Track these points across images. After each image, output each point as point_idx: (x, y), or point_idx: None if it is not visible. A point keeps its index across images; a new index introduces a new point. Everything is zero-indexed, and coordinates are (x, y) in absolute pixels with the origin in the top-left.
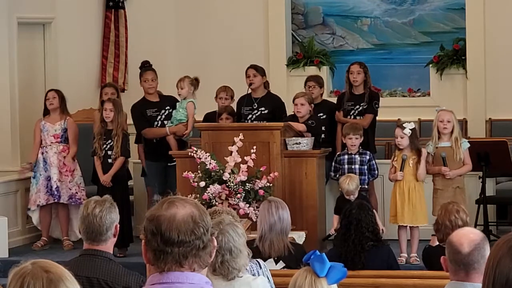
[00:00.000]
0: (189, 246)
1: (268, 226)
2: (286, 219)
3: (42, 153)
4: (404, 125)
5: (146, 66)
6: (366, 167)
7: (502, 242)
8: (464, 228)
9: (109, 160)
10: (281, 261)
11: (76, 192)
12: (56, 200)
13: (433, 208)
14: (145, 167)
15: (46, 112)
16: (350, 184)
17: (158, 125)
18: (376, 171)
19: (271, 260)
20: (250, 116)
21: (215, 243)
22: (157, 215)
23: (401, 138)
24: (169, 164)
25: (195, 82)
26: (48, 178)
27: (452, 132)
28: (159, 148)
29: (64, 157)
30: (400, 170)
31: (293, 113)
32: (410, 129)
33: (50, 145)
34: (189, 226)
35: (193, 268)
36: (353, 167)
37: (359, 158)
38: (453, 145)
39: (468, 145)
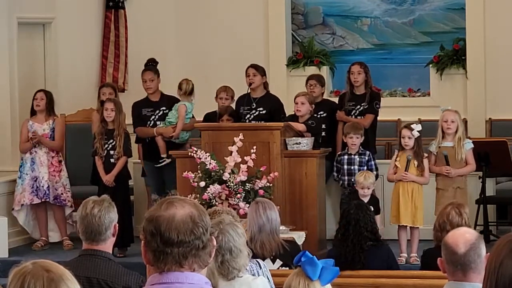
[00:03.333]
0: (189, 246)
1: (257, 227)
2: (275, 219)
3: (31, 153)
4: (412, 126)
5: (149, 65)
6: (365, 167)
7: (503, 243)
8: (459, 229)
9: (112, 160)
10: (278, 259)
11: (62, 193)
12: (45, 200)
13: (435, 208)
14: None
15: (34, 112)
16: (367, 178)
17: (151, 124)
18: (376, 172)
19: (268, 260)
20: (248, 116)
21: (215, 243)
22: (156, 215)
23: (409, 138)
24: (155, 165)
25: (185, 86)
26: (35, 179)
27: (456, 132)
28: (152, 148)
29: (53, 157)
30: (405, 171)
31: (293, 112)
32: (418, 131)
33: (39, 145)
34: (188, 226)
35: (193, 268)
36: (352, 167)
37: (358, 159)
38: (456, 145)
39: (472, 145)
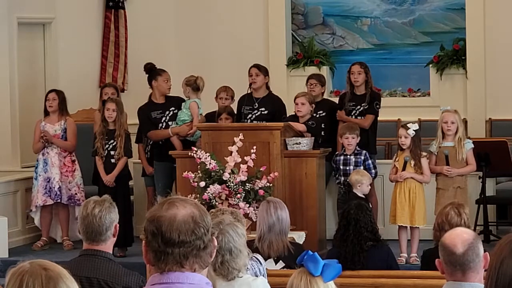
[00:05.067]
0: (190, 247)
1: (267, 227)
2: (285, 219)
3: (43, 154)
4: (408, 125)
5: (158, 69)
6: (361, 167)
7: (504, 243)
8: (455, 229)
9: (112, 160)
10: (280, 261)
11: (76, 193)
12: (57, 201)
13: (435, 208)
14: (150, 167)
15: (47, 113)
16: (359, 174)
17: (163, 126)
18: (374, 170)
19: (271, 260)
20: (250, 115)
21: (216, 243)
22: (158, 215)
23: (405, 138)
24: (174, 164)
25: (192, 83)
26: (48, 179)
27: (456, 132)
28: (166, 149)
29: (65, 157)
30: (402, 171)
31: (293, 113)
32: (414, 130)
33: (51, 146)
34: (190, 226)
35: (193, 268)
36: (347, 168)
37: (353, 159)
38: (456, 145)
39: (472, 145)
